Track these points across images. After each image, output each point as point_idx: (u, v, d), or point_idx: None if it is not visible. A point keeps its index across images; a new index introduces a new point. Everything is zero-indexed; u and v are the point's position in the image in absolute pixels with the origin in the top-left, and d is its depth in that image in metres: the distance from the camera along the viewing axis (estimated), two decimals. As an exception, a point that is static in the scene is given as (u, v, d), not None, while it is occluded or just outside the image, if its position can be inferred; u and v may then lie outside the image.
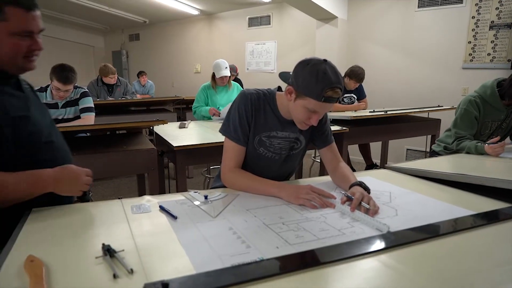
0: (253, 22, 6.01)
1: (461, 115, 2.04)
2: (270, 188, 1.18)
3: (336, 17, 4.70)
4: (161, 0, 5.74)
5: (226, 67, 3.17)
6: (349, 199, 1.08)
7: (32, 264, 0.66)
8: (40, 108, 1.12)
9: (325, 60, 1.13)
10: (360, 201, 1.04)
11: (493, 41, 3.94)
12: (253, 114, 1.27)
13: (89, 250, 0.74)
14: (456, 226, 0.91)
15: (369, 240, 0.82)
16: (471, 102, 2.02)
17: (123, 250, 0.73)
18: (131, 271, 0.65)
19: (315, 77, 1.09)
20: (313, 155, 4.10)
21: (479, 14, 3.99)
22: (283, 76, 1.22)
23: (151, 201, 1.07)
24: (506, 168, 1.59)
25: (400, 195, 1.20)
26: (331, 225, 0.93)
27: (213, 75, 3.18)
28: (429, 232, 0.87)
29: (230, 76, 3.25)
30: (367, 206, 1.02)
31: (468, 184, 1.26)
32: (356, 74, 3.60)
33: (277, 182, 1.21)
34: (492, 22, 3.92)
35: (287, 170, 1.42)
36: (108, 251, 0.71)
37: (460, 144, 1.98)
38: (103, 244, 0.74)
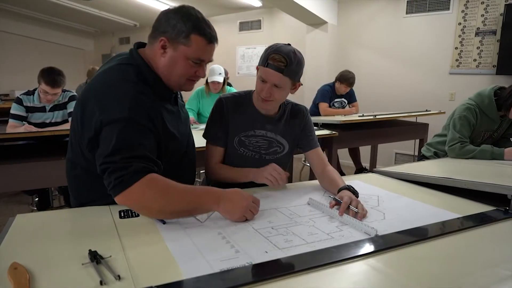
0: (244, 26, 6.04)
1: (461, 120, 1.99)
2: (246, 173, 1.29)
3: (326, 22, 4.75)
4: (152, 4, 5.72)
5: (220, 73, 3.09)
6: (337, 203, 1.08)
7: (16, 271, 0.64)
8: (183, 119, 1.22)
9: (288, 44, 1.25)
10: (349, 205, 1.05)
11: (479, 47, 4.03)
12: (230, 116, 1.34)
13: (75, 257, 0.73)
14: (444, 229, 0.93)
15: (357, 243, 0.82)
16: (471, 110, 1.99)
17: (110, 256, 0.72)
18: (119, 278, 0.64)
19: (268, 48, 1.22)
20: (303, 159, 4.11)
21: (465, 20, 4.08)
22: None
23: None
24: (491, 172, 1.62)
25: (388, 199, 1.21)
26: (320, 229, 0.93)
27: (207, 80, 3.15)
28: (417, 235, 0.88)
29: (223, 84, 3.19)
30: (356, 210, 1.03)
31: (454, 187, 1.28)
32: (346, 78, 3.63)
33: (252, 169, 1.29)
34: (478, 28, 4.01)
35: None
36: (95, 257, 0.69)
37: (463, 147, 1.93)
38: (90, 250, 0.73)
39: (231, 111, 1.34)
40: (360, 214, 1.02)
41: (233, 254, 0.76)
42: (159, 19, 1.05)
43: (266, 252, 0.78)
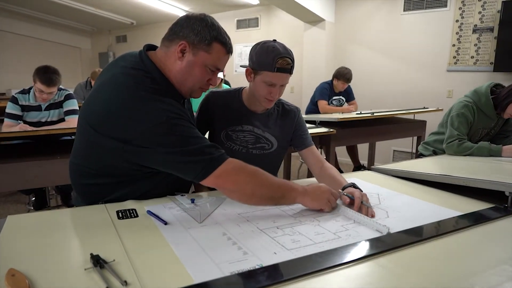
0: (241, 24, 6.00)
1: (459, 118, 1.99)
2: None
3: (324, 19, 4.73)
4: (148, 2, 5.67)
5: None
6: (349, 199, 1.08)
7: (14, 278, 0.61)
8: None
9: (274, 40, 1.28)
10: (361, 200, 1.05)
11: (476, 44, 4.03)
12: (215, 110, 1.38)
13: (76, 261, 0.70)
14: (449, 227, 0.92)
15: (366, 243, 0.81)
16: (468, 107, 1.99)
17: (114, 260, 0.69)
18: (125, 283, 0.62)
19: (266, 52, 1.22)
20: (301, 157, 4.11)
21: (462, 18, 4.08)
22: (243, 65, 1.30)
23: (136, 206, 1.03)
24: (489, 169, 1.61)
25: (388, 197, 1.20)
26: (326, 228, 0.92)
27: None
28: (424, 234, 0.87)
29: (221, 80, 3.21)
30: (368, 205, 1.03)
31: (451, 184, 1.27)
32: (343, 74, 3.63)
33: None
34: (475, 25, 4.01)
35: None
36: (98, 262, 0.66)
37: (461, 144, 1.93)
38: (92, 254, 0.70)
39: (217, 105, 1.38)
40: (370, 210, 1.02)
41: (242, 256, 0.74)
42: (180, 23, 1.04)
43: (275, 253, 0.76)
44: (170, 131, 0.94)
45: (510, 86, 1.94)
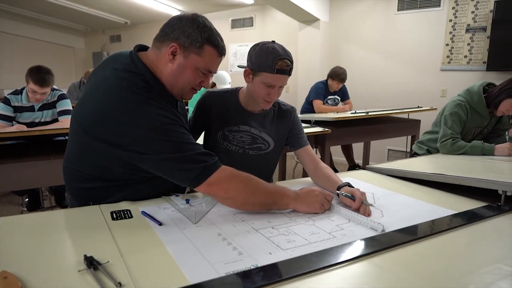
0: (236, 23, 5.99)
1: (452, 117, 2.00)
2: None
3: (318, 19, 4.74)
4: (143, 1, 5.64)
5: (230, 82, 3.11)
6: (350, 199, 1.08)
7: (6, 281, 0.60)
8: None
9: (273, 41, 1.27)
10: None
11: (469, 44, 4.07)
12: (212, 111, 1.37)
13: (70, 263, 0.69)
14: (444, 226, 0.92)
15: (361, 242, 0.81)
16: (461, 106, 2.01)
17: (108, 262, 0.68)
18: (120, 285, 0.61)
19: (265, 53, 1.22)
20: (296, 157, 4.10)
21: (456, 17, 4.12)
22: (240, 66, 1.35)
23: (131, 207, 1.02)
24: (482, 168, 1.63)
25: (383, 196, 1.21)
26: (321, 228, 0.92)
27: (212, 85, 3.11)
28: (419, 233, 0.88)
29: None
30: (369, 204, 1.04)
31: (445, 183, 1.28)
32: (337, 74, 3.64)
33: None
34: (468, 25, 4.05)
35: (260, 172, 1.44)
36: (92, 263, 0.66)
37: (455, 143, 1.95)
38: (85, 256, 0.69)
39: (214, 105, 1.37)
40: (368, 209, 1.03)
41: (237, 256, 0.74)
42: (171, 24, 1.01)
43: (270, 253, 0.76)
44: (164, 137, 0.93)
45: (502, 84, 1.96)
